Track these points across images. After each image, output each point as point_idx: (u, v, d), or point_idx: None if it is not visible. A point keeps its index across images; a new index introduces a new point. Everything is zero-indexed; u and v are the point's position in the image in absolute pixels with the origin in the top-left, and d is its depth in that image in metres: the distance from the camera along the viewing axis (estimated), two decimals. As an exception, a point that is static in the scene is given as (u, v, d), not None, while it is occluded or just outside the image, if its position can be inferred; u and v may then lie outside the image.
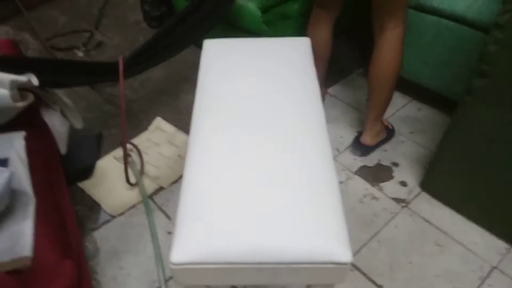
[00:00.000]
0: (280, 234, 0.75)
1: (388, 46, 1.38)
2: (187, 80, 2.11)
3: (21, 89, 1.07)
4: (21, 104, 1.03)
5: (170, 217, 1.48)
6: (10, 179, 0.84)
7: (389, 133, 1.68)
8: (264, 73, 1.06)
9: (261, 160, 0.86)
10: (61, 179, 1.23)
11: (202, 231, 0.75)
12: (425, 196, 1.49)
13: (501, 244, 1.35)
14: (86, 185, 1.63)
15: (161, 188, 1.59)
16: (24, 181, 0.95)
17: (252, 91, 1.02)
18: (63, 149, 1.44)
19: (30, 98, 1.08)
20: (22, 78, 1.04)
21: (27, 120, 1.16)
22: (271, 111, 0.97)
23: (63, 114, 1.49)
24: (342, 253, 0.74)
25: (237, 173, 0.83)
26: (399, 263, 1.31)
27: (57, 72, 1.33)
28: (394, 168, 1.60)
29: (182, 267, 0.74)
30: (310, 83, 1.04)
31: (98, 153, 1.77)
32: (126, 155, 1.57)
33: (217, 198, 0.79)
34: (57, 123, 1.44)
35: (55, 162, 1.25)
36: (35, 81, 1.09)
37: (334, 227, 0.76)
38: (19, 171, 0.95)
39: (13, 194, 0.90)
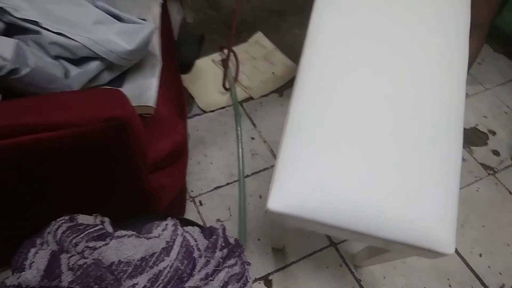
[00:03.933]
0: (386, 206, 0.66)
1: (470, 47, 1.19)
2: (293, 2, 2.09)
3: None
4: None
5: (255, 125, 1.55)
6: (153, 32, 0.91)
7: None
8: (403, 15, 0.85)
9: (378, 117, 0.72)
10: (176, 59, 1.31)
11: (301, 183, 0.67)
12: (515, 169, 1.44)
13: None
14: (184, 78, 1.71)
15: (250, 98, 1.65)
16: (155, 44, 1.03)
17: (381, 31, 0.83)
18: (174, 36, 1.51)
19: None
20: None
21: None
22: (402, 59, 0.78)
23: (181, 4, 1.55)
24: (447, 244, 0.67)
25: (349, 127, 0.71)
26: (471, 222, 1.31)
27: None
28: (490, 135, 1.54)
29: (277, 214, 0.69)
30: (459, 41, 0.85)
31: (199, 53, 1.84)
32: (228, 59, 1.63)
33: (323, 150, 0.69)
34: (175, 11, 1.51)
35: (173, 43, 1.32)
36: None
37: (445, 214, 0.68)
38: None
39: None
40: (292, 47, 1.84)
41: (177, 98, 1.05)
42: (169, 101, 1.01)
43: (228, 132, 1.51)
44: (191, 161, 1.41)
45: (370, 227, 0.66)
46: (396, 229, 0.66)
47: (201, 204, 1.30)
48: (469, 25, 0.89)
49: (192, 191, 1.33)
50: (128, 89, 0.97)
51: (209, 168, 1.40)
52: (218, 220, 1.27)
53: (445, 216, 0.68)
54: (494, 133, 1.55)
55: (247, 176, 1.39)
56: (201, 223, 1.26)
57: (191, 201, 1.30)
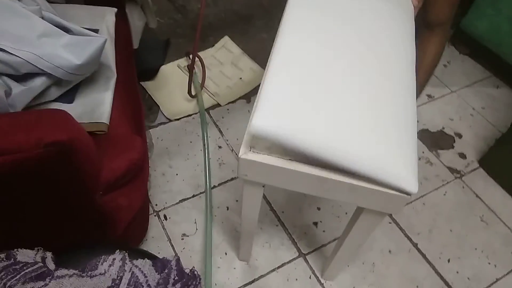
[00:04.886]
0: (354, 145, 0.73)
1: (434, 45, 1.26)
2: (260, 6, 2.06)
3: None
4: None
5: (222, 133, 1.51)
6: (103, 45, 0.86)
7: None
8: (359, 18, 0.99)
9: (348, 77, 0.84)
10: (134, 69, 1.26)
11: (285, 105, 0.76)
12: (481, 172, 1.45)
13: (548, 236, 1.32)
14: (148, 85, 1.66)
15: (218, 105, 1.61)
16: (109, 55, 0.98)
17: (345, 17, 0.97)
18: (136, 43, 1.46)
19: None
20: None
21: (113, 3, 1.17)
22: (363, 37, 0.93)
23: (142, 10, 1.50)
24: (409, 182, 0.73)
25: (325, 77, 0.82)
26: (439, 227, 1.31)
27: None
28: (456, 138, 1.55)
29: (250, 159, 0.76)
30: (405, 20, 1.00)
31: (164, 58, 1.79)
32: (193, 66, 1.58)
33: (302, 91, 0.78)
34: (135, 17, 1.45)
35: (131, 51, 1.27)
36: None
37: (407, 156, 0.75)
38: (106, 45, 0.97)
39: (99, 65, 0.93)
40: (260, 51, 1.81)
41: (133, 112, 1.00)
42: (125, 116, 0.96)
43: (194, 141, 1.47)
44: (155, 173, 1.36)
45: (340, 158, 0.72)
46: (363, 163, 0.72)
47: (165, 218, 1.25)
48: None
49: (156, 204, 1.28)
50: (79, 104, 0.92)
51: (174, 180, 1.35)
52: (183, 234, 1.23)
53: (406, 157, 0.75)
54: (460, 136, 1.56)
55: (214, 187, 1.35)
56: (165, 238, 1.22)
57: (155, 215, 1.25)
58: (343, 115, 0.77)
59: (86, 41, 0.85)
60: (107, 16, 1.02)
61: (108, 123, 0.89)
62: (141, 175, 0.97)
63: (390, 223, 1.31)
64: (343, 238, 1.00)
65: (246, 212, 0.97)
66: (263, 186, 0.87)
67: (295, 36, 0.90)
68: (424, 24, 1.23)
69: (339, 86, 0.81)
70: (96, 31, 0.98)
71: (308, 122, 0.75)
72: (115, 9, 1.05)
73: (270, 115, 0.74)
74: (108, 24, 1.01)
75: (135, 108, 1.04)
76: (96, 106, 0.91)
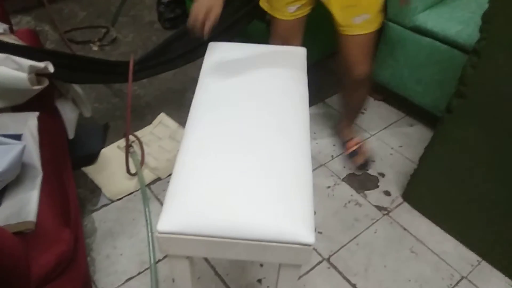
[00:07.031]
0: (253, 214, 0.83)
1: (359, 88, 1.51)
2: (193, 80, 2.20)
3: (38, 74, 1.18)
4: (37, 87, 1.14)
5: (164, 206, 1.57)
6: (22, 152, 0.94)
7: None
8: (260, 77, 1.16)
9: (246, 151, 0.95)
10: (67, 160, 1.33)
11: (186, 206, 0.85)
12: (406, 206, 1.58)
13: (472, 256, 1.43)
14: (89, 170, 1.73)
15: (158, 179, 1.69)
16: (34, 156, 1.05)
17: (246, 92, 1.12)
18: (71, 134, 1.54)
19: (46, 82, 1.19)
20: (40, 64, 1.15)
21: (41, 103, 1.26)
22: (261, 110, 1.06)
23: (74, 102, 1.60)
24: (306, 235, 0.83)
25: (223, 160, 0.93)
26: (374, 265, 1.40)
27: (71, 68, 1.43)
28: (380, 178, 1.68)
29: (166, 236, 0.83)
30: (300, 88, 1.14)
31: (103, 142, 1.88)
32: (128, 146, 1.68)
33: (203, 180, 0.88)
34: (68, 110, 1.55)
35: (62, 144, 1.35)
36: (51, 68, 1.20)
37: (301, 212, 0.85)
38: (30, 147, 1.05)
39: (23, 166, 1.00)
40: (195, 122, 1.93)
41: (62, 205, 1.06)
42: (53, 210, 1.02)
43: (137, 218, 1.53)
44: (99, 256, 1.39)
45: (245, 232, 0.82)
46: (265, 231, 0.82)
47: (111, 302, 1.28)
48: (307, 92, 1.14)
49: (101, 289, 1.31)
50: (7, 206, 0.97)
51: (119, 260, 1.39)
52: (130, 314, 1.26)
53: (303, 216, 0.85)
54: (383, 175, 1.70)
55: (159, 260, 1.40)
56: (112, 322, 1.23)
57: (100, 301, 1.28)
58: (241, 195, 0.86)
59: (4, 150, 0.93)
60: (29, 120, 1.11)
61: (35, 221, 0.95)
62: (74, 266, 1.02)
63: (328, 268, 1.39)
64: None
65: (180, 284, 1.02)
66: (187, 258, 0.94)
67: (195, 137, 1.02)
68: (352, 81, 1.46)
69: (235, 166, 0.91)
70: (19, 136, 1.06)
71: (206, 213, 0.83)
72: (37, 113, 1.14)
73: (172, 217, 0.83)
74: (31, 128, 1.10)
75: (64, 200, 1.10)
76: (23, 206, 0.97)
